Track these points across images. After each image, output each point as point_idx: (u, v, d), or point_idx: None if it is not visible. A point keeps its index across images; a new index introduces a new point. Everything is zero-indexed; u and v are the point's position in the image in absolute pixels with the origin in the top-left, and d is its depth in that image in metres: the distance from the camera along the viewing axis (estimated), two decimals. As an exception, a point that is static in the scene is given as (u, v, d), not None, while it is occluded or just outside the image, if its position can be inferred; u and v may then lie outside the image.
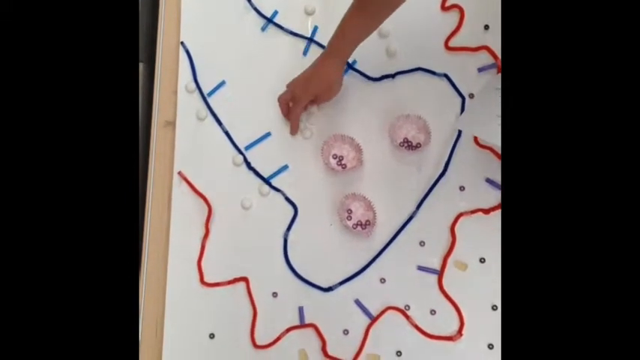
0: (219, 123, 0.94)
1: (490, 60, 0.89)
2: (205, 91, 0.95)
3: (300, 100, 0.87)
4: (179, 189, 0.92)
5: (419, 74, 0.91)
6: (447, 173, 0.87)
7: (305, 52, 0.95)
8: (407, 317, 0.84)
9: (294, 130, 0.90)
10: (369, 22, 0.81)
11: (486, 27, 0.91)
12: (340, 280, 0.86)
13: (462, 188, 0.87)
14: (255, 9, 0.97)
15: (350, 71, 0.93)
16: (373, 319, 0.84)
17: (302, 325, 0.86)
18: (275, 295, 0.87)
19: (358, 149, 0.88)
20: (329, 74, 0.84)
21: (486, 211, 0.85)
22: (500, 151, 0.87)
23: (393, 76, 0.92)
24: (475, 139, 0.87)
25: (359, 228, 0.86)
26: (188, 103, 0.95)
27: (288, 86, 0.89)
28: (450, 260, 0.85)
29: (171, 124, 0.95)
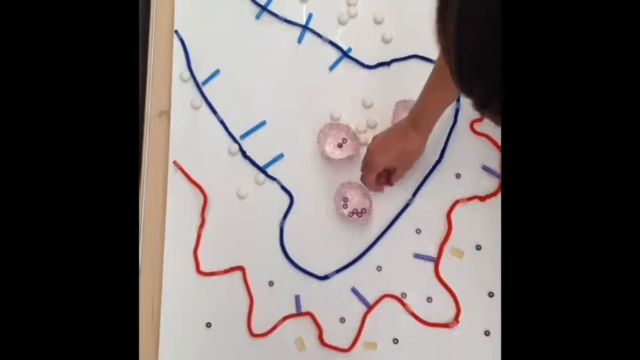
0: (214, 112, 0.93)
1: (486, 46, 0.89)
2: (200, 79, 0.94)
3: (376, 169, 0.81)
4: (174, 178, 0.92)
5: (414, 61, 0.90)
6: (443, 160, 0.87)
7: (300, 40, 0.94)
8: (403, 305, 0.84)
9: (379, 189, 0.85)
10: (451, 94, 0.78)
11: (482, 13, 0.90)
12: (336, 268, 0.86)
13: (458, 175, 0.87)
14: (250, -4, 0.96)
15: (345, 59, 0.92)
16: (370, 307, 0.84)
17: (298, 313, 0.86)
18: (271, 283, 0.87)
19: (354, 137, 0.88)
20: (415, 151, 0.80)
21: (482, 199, 0.85)
22: (495, 138, 0.87)
23: (388, 63, 0.91)
24: (471, 126, 0.87)
25: (355, 216, 0.86)
26: (182, 92, 0.94)
27: (367, 154, 0.82)
28: (446, 247, 0.85)
29: (166, 113, 0.94)
